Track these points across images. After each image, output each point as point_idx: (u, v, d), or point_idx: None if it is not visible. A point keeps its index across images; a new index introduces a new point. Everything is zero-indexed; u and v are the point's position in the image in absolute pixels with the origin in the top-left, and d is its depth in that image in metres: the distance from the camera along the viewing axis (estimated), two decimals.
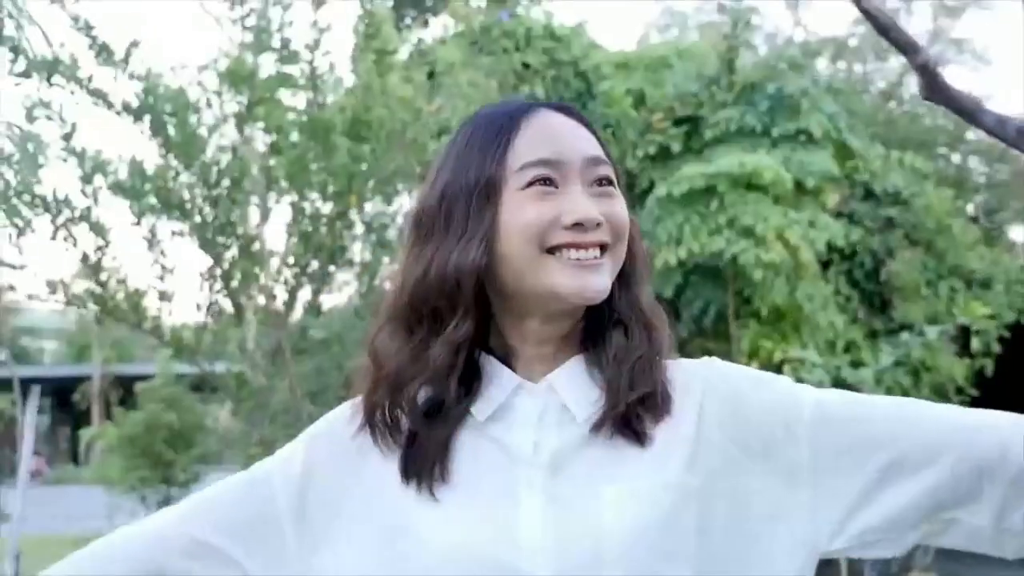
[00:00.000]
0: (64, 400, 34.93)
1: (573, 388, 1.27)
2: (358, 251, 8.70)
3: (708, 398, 1.26)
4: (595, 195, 1.26)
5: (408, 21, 18.67)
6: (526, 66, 10.58)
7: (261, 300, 8.17)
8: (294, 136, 7.49)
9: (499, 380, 1.28)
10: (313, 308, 8.21)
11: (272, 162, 7.70)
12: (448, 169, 1.29)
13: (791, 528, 1.21)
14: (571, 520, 1.18)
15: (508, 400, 1.26)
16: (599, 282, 1.24)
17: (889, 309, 10.50)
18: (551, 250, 1.23)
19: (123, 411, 17.14)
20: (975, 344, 9.80)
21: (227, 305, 7.93)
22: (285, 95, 7.93)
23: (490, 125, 1.28)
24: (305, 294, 8.17)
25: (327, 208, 8.01)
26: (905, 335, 9.07)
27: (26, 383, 8.78)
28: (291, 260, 7.95)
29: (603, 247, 1.25)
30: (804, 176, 9.07)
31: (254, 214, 8.12)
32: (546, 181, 1.24)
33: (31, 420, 8.25)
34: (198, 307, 7.91)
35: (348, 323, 8.30)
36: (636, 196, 9.34)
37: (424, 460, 1.23)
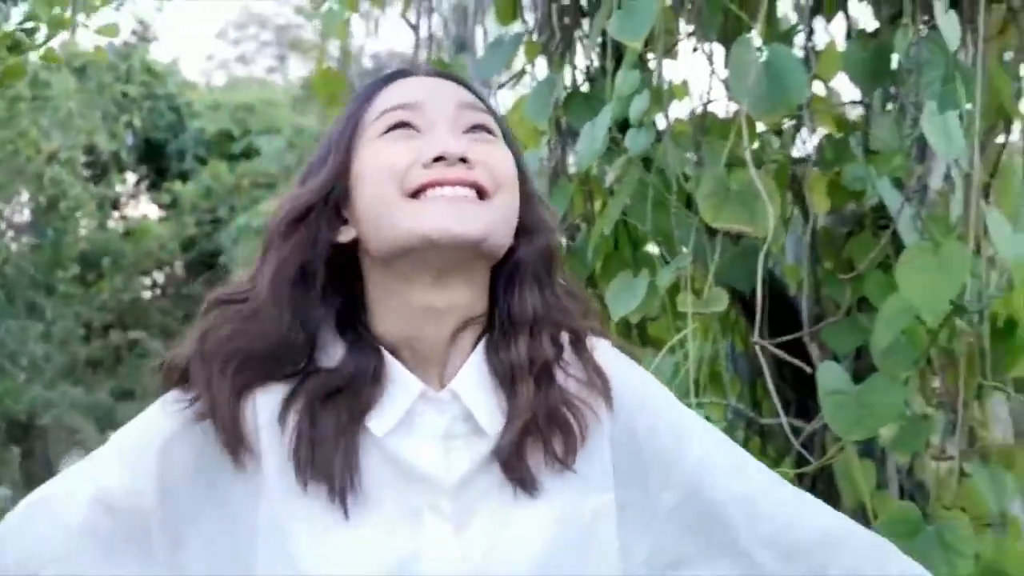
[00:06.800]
0: None
1: (480, 393, 1.06)
2: None
3: (620, 416, 1.10)
4: (469, 139, 1.06)
5: None
6: (125, 95, 12.05)
7: None
8: None
9: (395, 385, 1.04)
10: None
11: None
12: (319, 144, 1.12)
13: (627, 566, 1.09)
14: (479, 551, 1.01)
15: (409, 410, 1.04)
16: (473, 219, 1.01)
17: None
18: (415, 195, 1.02)
19: None
20: None
21: None
22: None
23: (358, 93, 1.13)
24: None
25: None
26: None
27: None
28: None
29: (480, 191, 1.03)
30: None
31: None
32: (406, 125, 1.06)
33: None
34: None
35: None
36: None
37: (329, 468, 1.00)
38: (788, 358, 1.75)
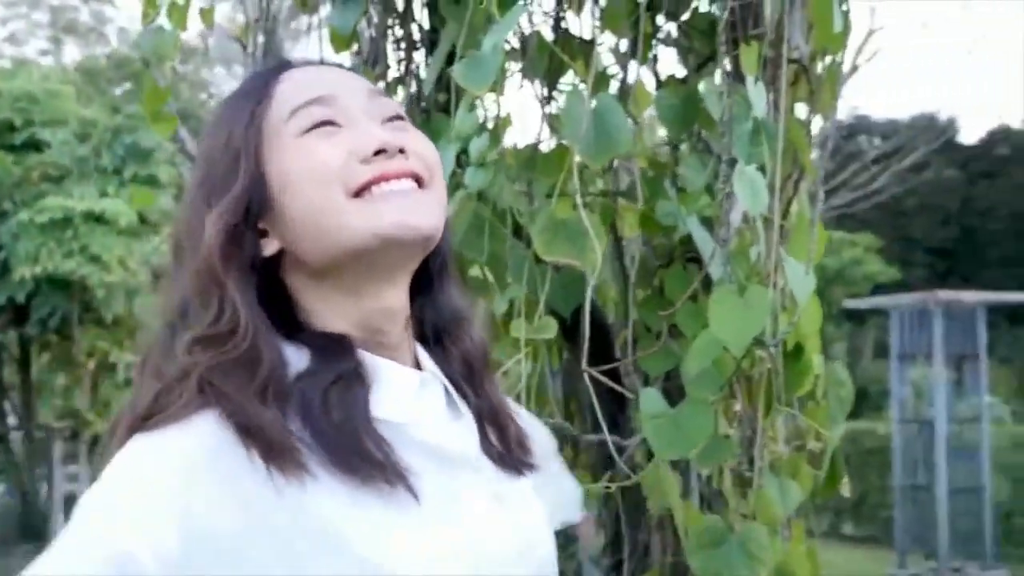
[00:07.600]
0: None
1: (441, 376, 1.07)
2: None
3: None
4: (392, 129, 1.01)
5: None
6: None
7: None
8: None
9: (383, 375, 0.99)
10: None
11: None
12: (201, 158, 1.03)
13: None
14: (515, 521, 1.04)
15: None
16: (426, 210, 0.98)
17: None
18: (358, 194, 0.96)
19: None
20: None
21: None
22: None
23: (245, 88, 1.05)
24: None
25: None
26: None
27: None
28: None
29: (419, 181, 0.99)
30: (149, 213, 11.16)
31: None
32: (327, 123, 0.99)
33: None
34: None
35: None
36: None
37: (372, 456, 0.93)
38: (607, 381, 1.91)
